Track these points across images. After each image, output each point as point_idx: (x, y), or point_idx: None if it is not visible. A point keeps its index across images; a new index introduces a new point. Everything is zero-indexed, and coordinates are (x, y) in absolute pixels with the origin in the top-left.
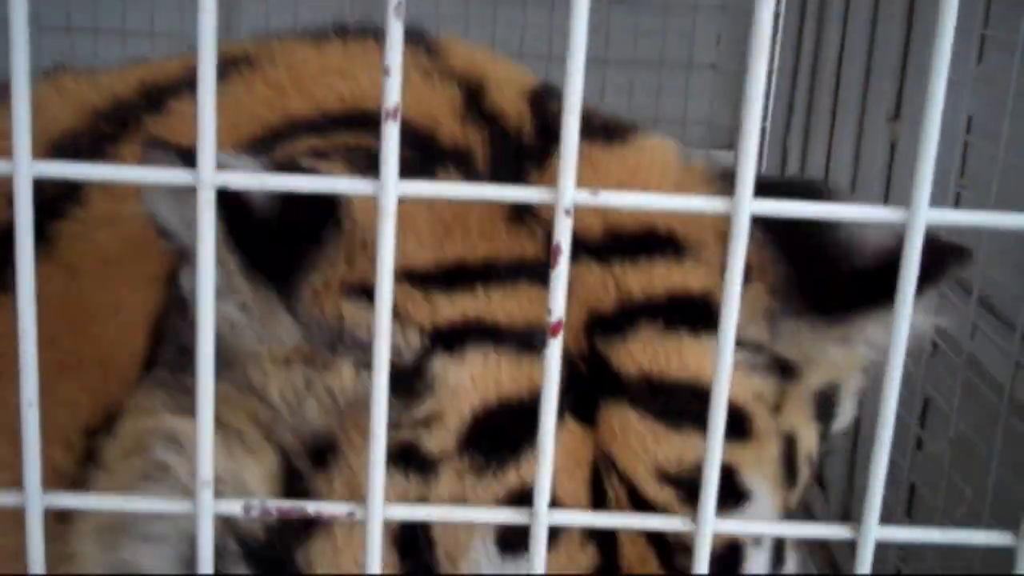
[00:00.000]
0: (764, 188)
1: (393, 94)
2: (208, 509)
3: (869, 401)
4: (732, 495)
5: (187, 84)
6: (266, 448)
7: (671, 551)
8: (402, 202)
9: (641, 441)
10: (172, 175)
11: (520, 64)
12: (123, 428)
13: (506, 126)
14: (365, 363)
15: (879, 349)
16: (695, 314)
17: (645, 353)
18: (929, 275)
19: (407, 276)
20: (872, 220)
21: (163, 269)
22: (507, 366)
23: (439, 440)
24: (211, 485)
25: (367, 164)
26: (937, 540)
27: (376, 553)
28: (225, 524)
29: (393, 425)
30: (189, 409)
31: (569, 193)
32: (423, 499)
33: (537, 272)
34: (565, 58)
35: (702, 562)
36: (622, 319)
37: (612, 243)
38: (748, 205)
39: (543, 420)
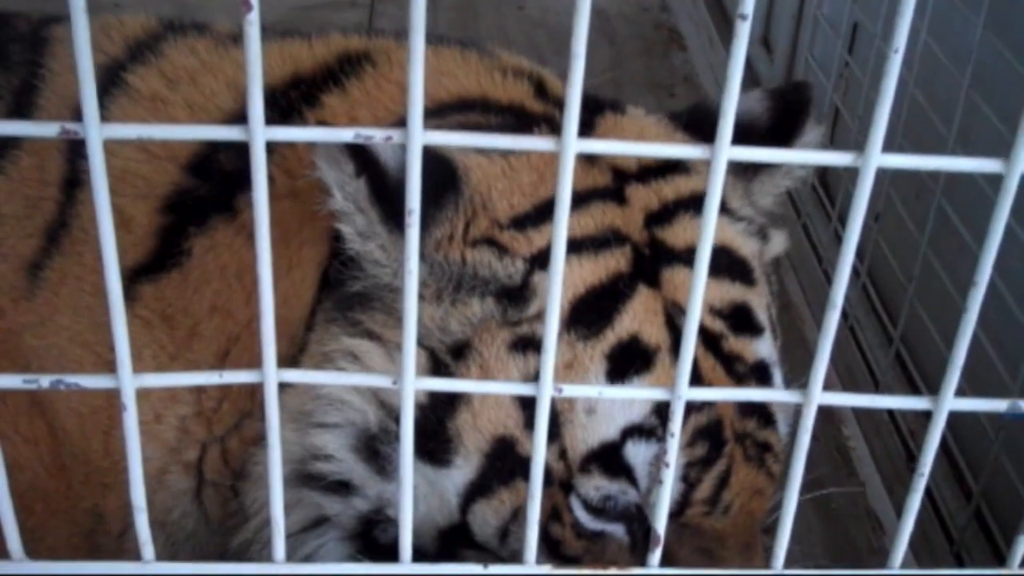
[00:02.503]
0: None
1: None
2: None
3: None
4: (751, 327)
5: (331, 78)
6: (418, 350)
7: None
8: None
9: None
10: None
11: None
12: (310, 350)
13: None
14: (488, 292)
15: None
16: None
17: (686, 231)
18: (794, 128)
19: (514, 222)
20: (828, 164)
21: (328, 230)
22: (586, 264)
23: None
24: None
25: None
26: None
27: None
28: (389, 410)
29: (514, 323)
30: (358, 333)
31: (572, 142)
32: (539, 371)
33: (603, 194)
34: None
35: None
36: (666, 213)
37: (645, 172)
38: (725, 152)
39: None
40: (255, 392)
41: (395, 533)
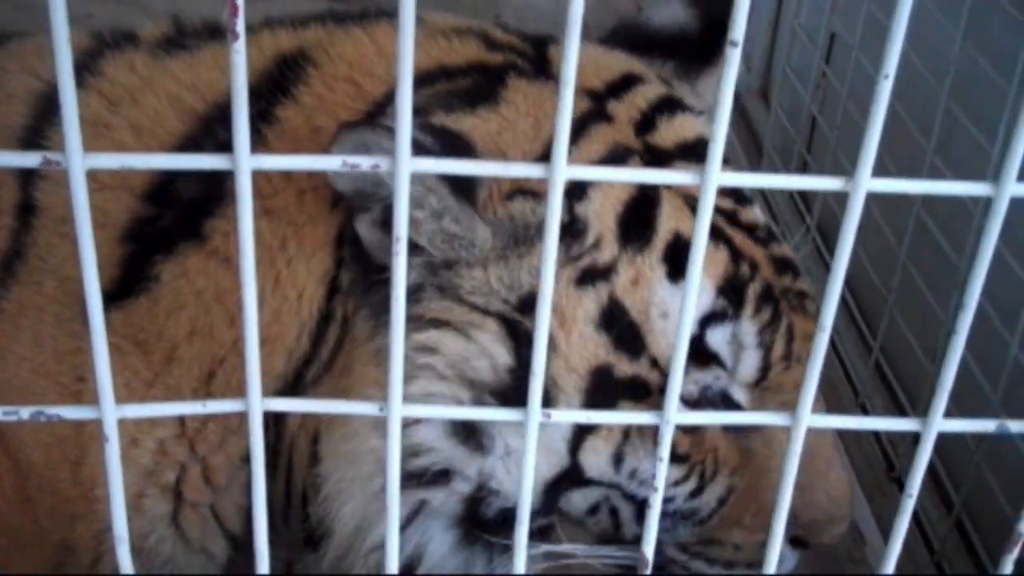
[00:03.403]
0: None
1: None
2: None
3: None
4: (748, 199)
5: (277, 88)
6: (489, 320)
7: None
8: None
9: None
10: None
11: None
12: (355, 352)
13: (515, 46)
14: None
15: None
16: (676, 104)
17: (670, 132)
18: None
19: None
20: (818, 188)
21: (329, 235)
22: (617, 186)
23: (608, 251)
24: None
25: (457, 100)
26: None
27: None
28: (480, 388)
29: (576, 258)
30: (422, 327)
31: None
32: (612, 295)
33: (594, 116)
34: None
35: None
36: (646, 121)
37: (614, 88)
38: (715, 179)
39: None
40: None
41: (499, 504)
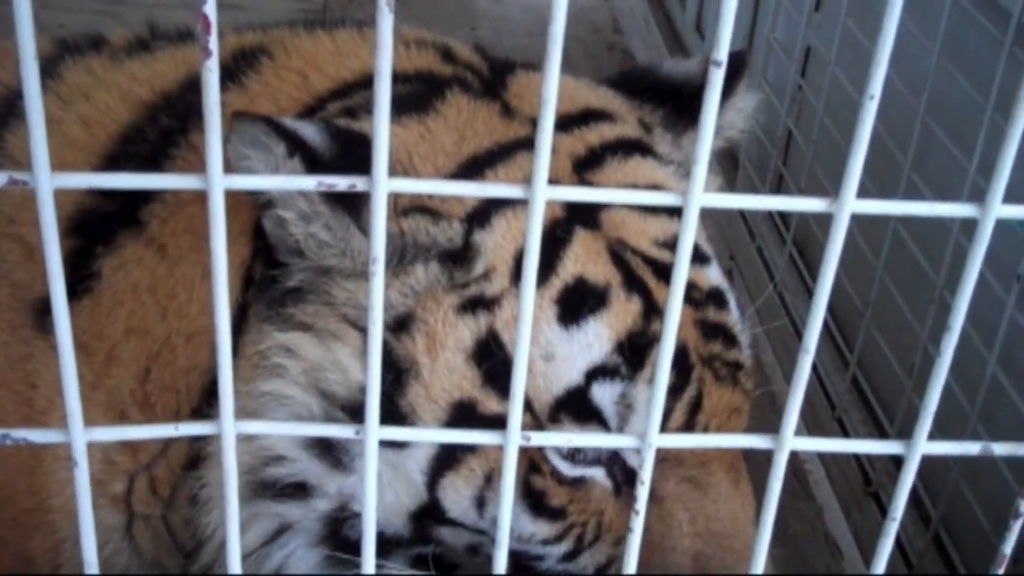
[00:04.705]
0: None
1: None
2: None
3: None
4: (699, 257)
5: (227, 76)
6: (353, 333)
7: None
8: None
9: (637, 225)
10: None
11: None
12: (245, 351)
13: (472, 65)
14: (432, 257)
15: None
16: (635, 147)
17: (616, 174)
18: (727, 91)
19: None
20: (802, 210)
21: (247, 225)
22: (522, 216)
23: (498, 284)
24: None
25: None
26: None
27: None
28: (332, 399)
29: (462, 285)
30: (291, 327)
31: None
32: (492, 328)
33: (526, 144)
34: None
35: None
36: (594, 158)
37: (567, 121)
38: (698, 200)
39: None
40: (179, 413)
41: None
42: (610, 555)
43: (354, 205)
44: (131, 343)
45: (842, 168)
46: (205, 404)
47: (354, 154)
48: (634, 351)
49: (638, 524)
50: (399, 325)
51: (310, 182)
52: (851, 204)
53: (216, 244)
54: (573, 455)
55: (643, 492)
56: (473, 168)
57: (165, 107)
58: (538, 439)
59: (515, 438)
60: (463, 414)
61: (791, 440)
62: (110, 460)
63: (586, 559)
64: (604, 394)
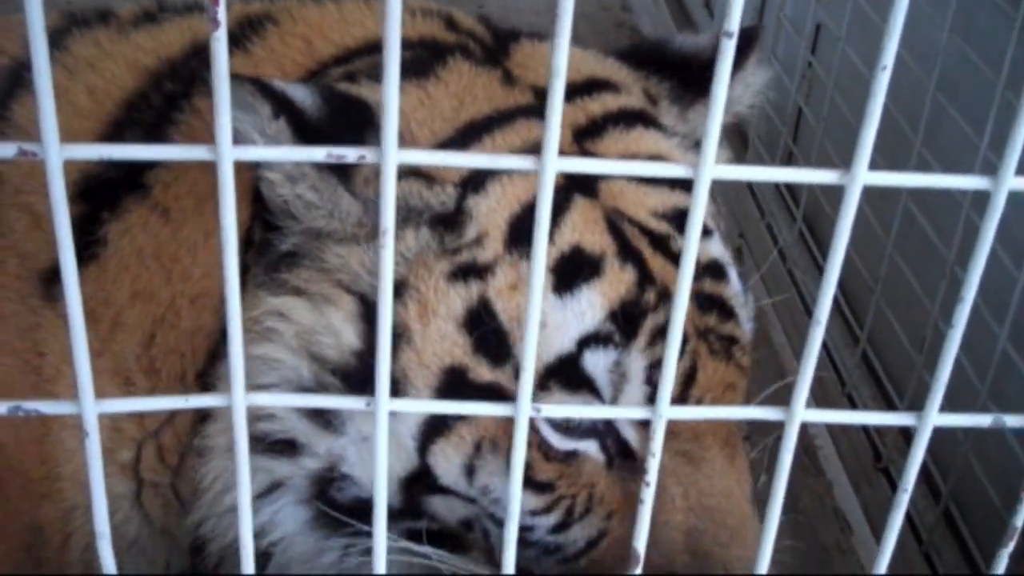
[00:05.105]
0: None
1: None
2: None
3: None
4: (702, 230)
5: (232, 43)
6: (347, 298)
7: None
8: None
9: (636, 196)
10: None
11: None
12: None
13: (475, 33)
14: (423, 222)
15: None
16: (639, 118)
17: (617, 144)
18: (738, 64)
19: (437, 148)
20: (813, 181)
21: (247, 187)
22: (519, 181)
23: (491, 250)
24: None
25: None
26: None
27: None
28: (322, 363)
29: (453, 251)
30: (284, 292)
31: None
32: (483, 297)
33: (526, 111)
34: None
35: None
36: (594, 128)
37: (570, 90)
38: (709, 171)
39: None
40: (184, 378)
41: (352, 491)
42: (601, 528)
43: (341, 167)
44: (136, 308)
45: (852, 145)
46: (210, 367)
47: (345, 117)
48: (628, 320)
49: (649, 495)
50: (399, 290)
51: (319, 152)
52: (863, 176)
53: (225, 216)
54: (567, 427)
55: (653, 464)
56: (471, 134)
57: (170, 74)
58: (549, 411)
59: (525, 409)
60: (454, 380)
61: (802, 412)
62: (117, 428)
63: (576, 532)
64: (597, 362)
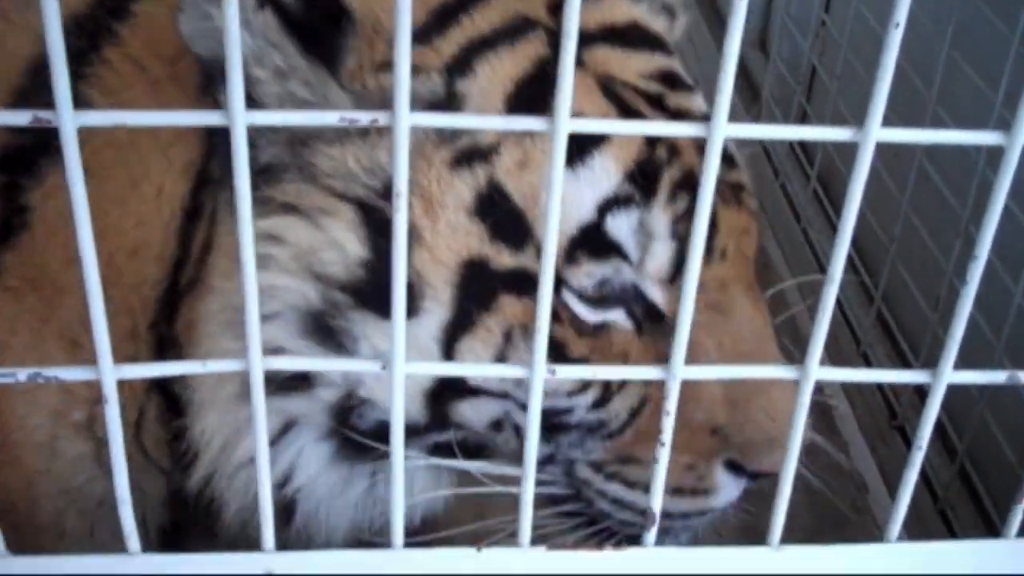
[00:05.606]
0: None
1: None
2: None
3: None
4: (685, 86)
5: None
6: (344, 206)
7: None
8: None
9: (620, 61)
10: None
11: None
12: (221, 241)
13: None
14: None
15: None
16: None
17: (594, 14)
18: None
19: (414, 37)
20: (827, 139)
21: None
22: (507, 57)
23: (492, 132)
24: None
25: None
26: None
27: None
28: (328, 281)
29: (451, 139)
30: (272, 211)
31: None
32: (492, 179)
33: None
34: None
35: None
36: None
37: None
38: (722, 130)
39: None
40: (135, 332)
41: (374, 416)
42: (642, 395)
43: (331, 55)
44: (74, 271)
45: (866, 104)
46: (163, 319)
47: (323, 10)
48: (645, 177)
49: (663, 455)
50: (390, 191)
51: (332, 117)
52: (876, 132)
53: (240, 180)
54: (595, 298)
55: (668, 423)
56: (446, 16)
57: (75, 29)
58: (564, 371)
59: (540, 371)
60: (474, 273)
61: (816, 369)
62: (67, 389)
63: (617, 404)
64: (620, 225)
